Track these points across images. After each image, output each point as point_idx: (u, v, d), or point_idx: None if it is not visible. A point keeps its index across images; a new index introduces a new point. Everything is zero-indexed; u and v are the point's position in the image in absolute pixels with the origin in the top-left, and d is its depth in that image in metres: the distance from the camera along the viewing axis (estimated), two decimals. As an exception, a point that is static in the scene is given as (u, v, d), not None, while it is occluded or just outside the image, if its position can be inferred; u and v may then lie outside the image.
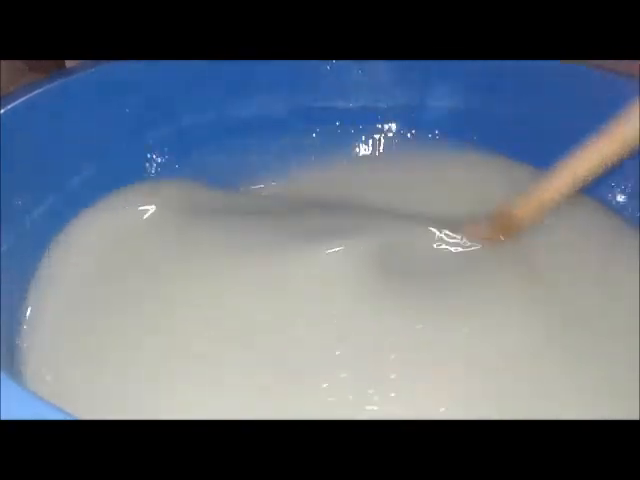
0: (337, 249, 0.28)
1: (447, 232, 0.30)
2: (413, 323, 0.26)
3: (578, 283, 0.29)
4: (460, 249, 0.30)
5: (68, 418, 0.16)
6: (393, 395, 0.24)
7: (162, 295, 0.28)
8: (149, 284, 0.28)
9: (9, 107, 0.28)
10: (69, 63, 0.38)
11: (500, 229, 0.30)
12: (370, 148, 0.38)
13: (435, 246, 0.30)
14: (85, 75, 0.31)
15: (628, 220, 0.34)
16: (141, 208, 0.32)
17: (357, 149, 0.38)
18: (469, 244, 0.30)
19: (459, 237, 0.30)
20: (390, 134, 0.39)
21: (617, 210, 0.34)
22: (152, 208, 0.32)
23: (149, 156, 0.34)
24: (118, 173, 0.33)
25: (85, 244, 0.30)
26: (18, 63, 0.42)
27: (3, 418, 0.16)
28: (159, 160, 0.35)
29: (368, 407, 0.24)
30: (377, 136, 0.39)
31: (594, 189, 0.33)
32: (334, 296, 0.27)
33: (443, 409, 0.24)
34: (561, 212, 0.30)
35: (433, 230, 0.30)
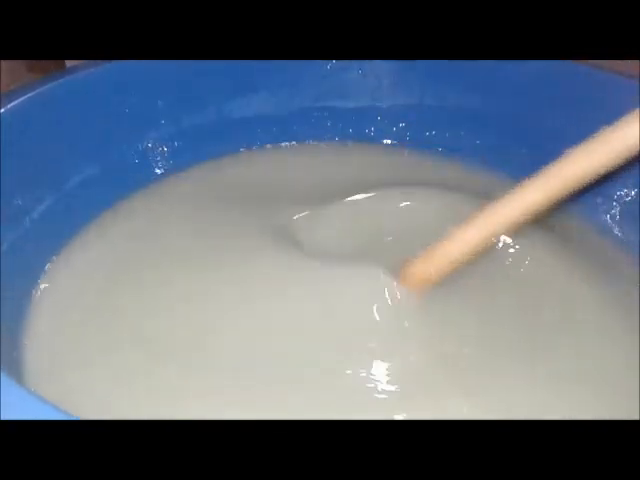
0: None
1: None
2: None
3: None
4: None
5: (68, 418, 0.16)
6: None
7: (162, 297, 0.28)
8: (149, 287, 0.28)
9: (9, 107, 0.28)
10: (69, 63, 0.38)
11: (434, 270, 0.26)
12: (370, 148, 0.38)
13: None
14: (85, 75, 0.31)
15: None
16: (143, 215, 0.32)
17: (357, 149, 0.38)
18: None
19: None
20: (390, 134, 0.39)
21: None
22: (155, 214, 0.32)
23: (149, 156, 0.34)
24: (118, 173, 0.33)
25: (86, 247, 0.30)
26: (18, 63, 0.43)
27: (3, 418, 0.16)
28: (159, 160, 0.35)
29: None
30: (377, 136, 0.39)
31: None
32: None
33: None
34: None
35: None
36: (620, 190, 0.34)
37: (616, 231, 0.34)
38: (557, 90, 0.35)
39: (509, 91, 0.36)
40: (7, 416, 0.16)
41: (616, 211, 0.34)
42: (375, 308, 0.26)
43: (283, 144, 0.38)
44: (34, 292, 0.28)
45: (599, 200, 0.34)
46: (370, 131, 0.39)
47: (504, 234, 0.27)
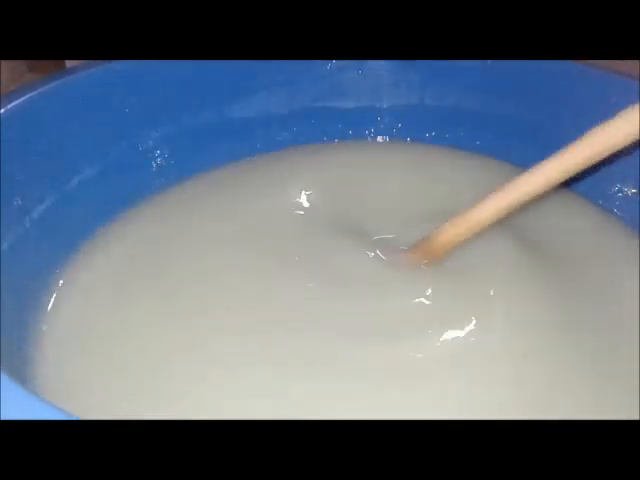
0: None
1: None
2: None
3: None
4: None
5: (68, 418, 0.16)
6: None
7: (166, 298, 0.28)
8: (155, 286, 0.28)
9: (9, 107, 0.28)
10: (69, 63, 0.38)
11: (430, 251, 0.28)
12: (369, 148, 0.38)
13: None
14: (85, 75, 0.31)
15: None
16: (143, 216, 0.32)
17: (356, 149, 0.38)
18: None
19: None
20: (390, 134, 0.39)
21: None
22: (155, 216, 0.32)
23: (149, 156, 0.34)
24: (118, 173, 0.33)
25: (86, 247, 0.30)
26: (18, 63, 0.43)
27: (3, 418, 0.16)
28: (159, 160, 0.35)
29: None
30: (377, 136, 0.39)
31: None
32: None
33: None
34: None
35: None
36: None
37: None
38: (557, 90, 0.35)
39: (509, 91, 0.36)
40: (7, 416, 0.16)
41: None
42: None
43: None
44: (33, 292, 0.28)
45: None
46: (370, 131, 0.39)
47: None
